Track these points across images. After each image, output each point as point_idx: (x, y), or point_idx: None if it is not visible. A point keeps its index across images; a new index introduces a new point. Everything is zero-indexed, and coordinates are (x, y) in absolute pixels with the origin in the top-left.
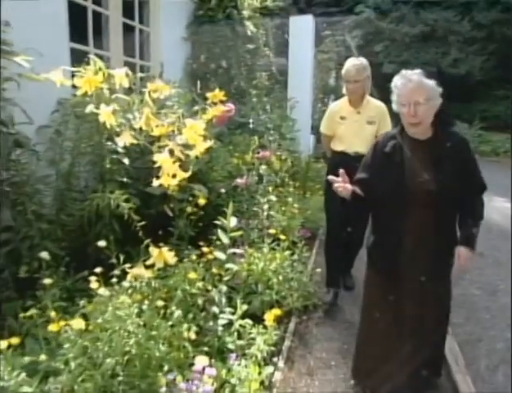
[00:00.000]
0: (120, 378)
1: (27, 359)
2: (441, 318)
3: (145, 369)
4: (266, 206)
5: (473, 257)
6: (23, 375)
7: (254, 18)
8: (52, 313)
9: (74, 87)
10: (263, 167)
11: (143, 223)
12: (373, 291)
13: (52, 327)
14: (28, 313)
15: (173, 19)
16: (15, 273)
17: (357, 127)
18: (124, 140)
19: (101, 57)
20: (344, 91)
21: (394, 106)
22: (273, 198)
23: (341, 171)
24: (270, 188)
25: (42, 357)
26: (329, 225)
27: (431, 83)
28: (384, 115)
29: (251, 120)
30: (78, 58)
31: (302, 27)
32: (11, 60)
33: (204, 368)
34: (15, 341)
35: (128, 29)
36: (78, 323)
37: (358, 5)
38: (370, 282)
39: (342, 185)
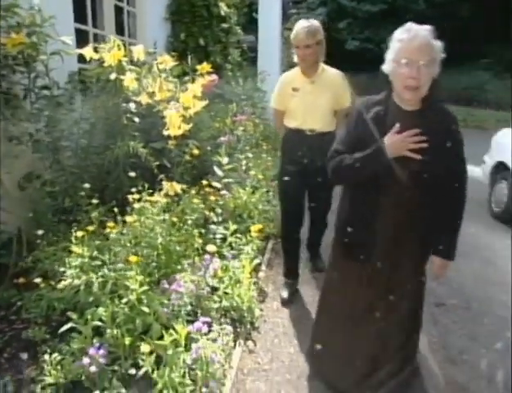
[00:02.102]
0: (154, 264)
1: (97, 242)
2: (413, 305)
3: (169, 261)
4: (244, 162)
5: (449, 265)
6: (95, 252)
7: None
8: (117, 207)
9: (80, 61)
10: (241, 128)
11: (157, 163)
12: (338, 274)
13: (110, 226)
14: (93, 215)
15: (155, 0)
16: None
17: (311, 99)
18: (143, 100)
19: (96, 36)
20: (295, 59)
21: (387, 66)
22: (250, 155)
23: (397, 125)
24: (247, 147)
25: (113, 236)
26: (284, 219)
27: (438, 44)
28: (343, 85)
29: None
30: (77, 36)
31: (270, 6)
32: (53, 38)
33: (212, 254)
34: (91, 228)
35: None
36: (130, 218)
37: None
38: (334, 263)
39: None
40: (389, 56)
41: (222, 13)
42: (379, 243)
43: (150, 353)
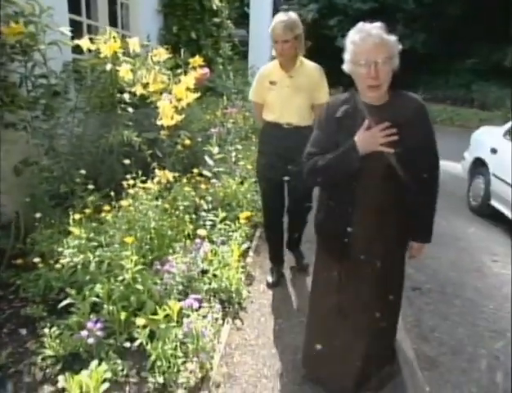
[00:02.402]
0: (147, 247)
1: (94, 224)
2: (393, 299)
3: (162, 244)
4: (233, 153)
5: (424, 247)
6: (92, 234)
7: None
8: (111, 193)
9: (74, 52)
10: (231, 121)
11: (150, 151)
12: (324, 274)
13: (105, 209)
14: (89, 199)
15: None
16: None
17: (288, 93)
18: (137, 91)
19: (90, 27)
20: (273, 52)
21: (346, 67)
22: (239, 147)
23: (366, 121)
24: (237, 139)
25: (109, 218)
26: (265, 210)
27: (393, 38)
28: (320, 79)
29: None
30: (71, 27)
31: (261, 1)
32: (52, 28)
33: (203, 238)
34: (88, 210)
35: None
36: (125, 202)
37: None
38: (320, 262)
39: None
40: (346, 57)
41: (214, 7)
42: (360, 237)
43: (144, 327)
